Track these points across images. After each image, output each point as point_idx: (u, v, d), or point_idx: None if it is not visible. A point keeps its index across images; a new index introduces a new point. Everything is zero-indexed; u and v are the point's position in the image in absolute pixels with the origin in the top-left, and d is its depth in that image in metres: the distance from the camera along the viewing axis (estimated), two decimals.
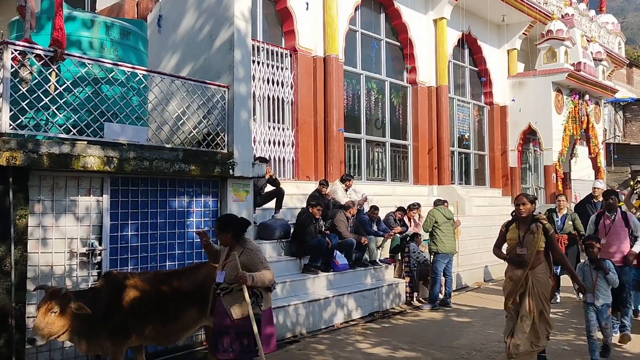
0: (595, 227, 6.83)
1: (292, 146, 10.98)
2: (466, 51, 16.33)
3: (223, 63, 6.89)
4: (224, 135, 6.76)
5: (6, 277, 4.92)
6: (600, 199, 8.68)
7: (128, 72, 5.84)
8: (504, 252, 5.39)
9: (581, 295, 6.04)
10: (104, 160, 5.43)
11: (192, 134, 6.58)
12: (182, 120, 6.52)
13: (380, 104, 13.46)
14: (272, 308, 4.59)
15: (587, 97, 17.63)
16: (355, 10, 12.38)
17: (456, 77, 16.00)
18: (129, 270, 5.80)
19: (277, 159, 10.70)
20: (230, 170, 6.67)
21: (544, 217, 5.78)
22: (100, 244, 5.70)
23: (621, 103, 25.05)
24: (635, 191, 7.48)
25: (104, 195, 5.73)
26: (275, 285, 5.05)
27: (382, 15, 13.51)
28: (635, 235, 6.54)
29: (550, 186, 16.42)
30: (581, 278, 5.68)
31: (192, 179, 6.51)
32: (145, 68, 6.16)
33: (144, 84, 6.10)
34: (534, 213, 5.23)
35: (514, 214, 5.24)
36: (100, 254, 5.70)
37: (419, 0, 14.02)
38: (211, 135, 6.67)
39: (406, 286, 9.12)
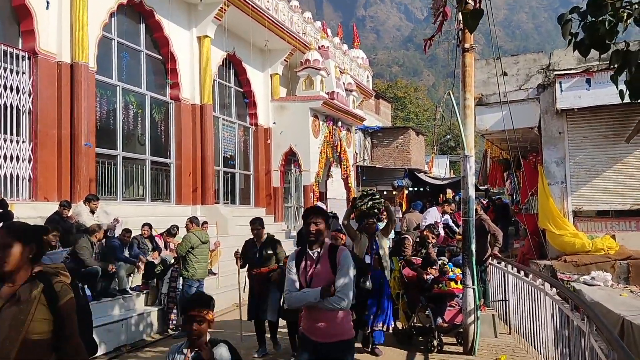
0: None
1: (30, 162, 9.58)
2: (231, 71, 16.54)
3: None
4: None
5: None
6: None
7: None
8: None
9: None
10: None
11: None
12: None
13: (139, 119, 12.70)
14: None
15: (340, 123, 19.34)
16: (110, 16, 11.48)
17: (222, 96, 16.05)
18: None
19: (9, 176, 9.20)
20: None
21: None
22: None
23: (369, 130, 28.27)
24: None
25: None
26: None
27: (142, 26, 12.83)
28: None
29: (309, 205, 17.47)
30: None
31: None
32: None
33: None
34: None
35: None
36: None
37: (182, 15, 13.71)
38: None
39: (170, 314, 8.57)
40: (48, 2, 9.75)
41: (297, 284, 3.69)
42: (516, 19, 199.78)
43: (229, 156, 16.36)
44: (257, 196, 17.33)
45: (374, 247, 6.73)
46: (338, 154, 19.27)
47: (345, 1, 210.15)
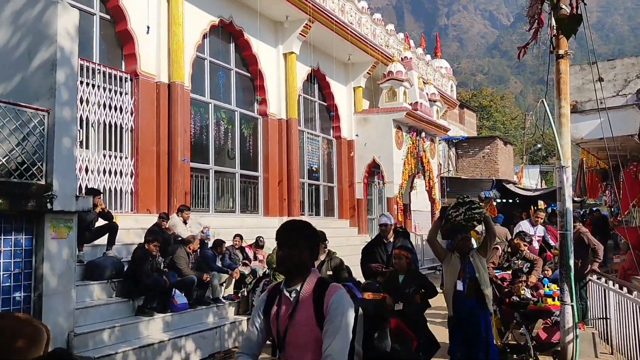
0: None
1: (132, 176, 10.26)
2: (315, 86, 16.86)
3: (43, 85, 6.18)
4: (41, 165, 6.01)
5: None
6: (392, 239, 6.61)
7: None
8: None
9: None
10: None
11: (1, 162, 5.75)
12: None
13: (230, 134, 13.25)
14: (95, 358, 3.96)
15: (423, 134, 19.12)
16: (204, 38, 12.12)
17: (306, 110, 16.39)
18: None
19: (114, 189, 9.91)
20: (48, 204, 5.93)
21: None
22: None
23: (454, 140, 27.68)
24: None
25: None
26: None
27: (232, 45, 13.42)
28: None
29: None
30: None
31: None
32: None
33: None
34: None
35: None
36: None
37: (269, 34, 14.19)
38: (25, 165, 5.89)
39: None
40: (148, 27, 10.46)
41: (255, 341, 2.57)
42: (610, 22, 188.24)
43: (313, 169, 16.64)
44: (340, 208, 17.47)
45: (468, 269, 5.46)
46: (422, 165, 19.03)
47: (426, 11, 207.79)
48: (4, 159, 5.80)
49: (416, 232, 18.90)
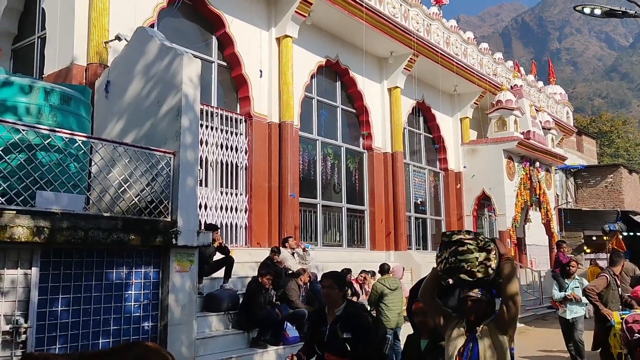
0: None
1: (246, 212, 10.78)
2: (420, 118, 16.78)
3: (170, 129, 6.76)
4: (167, 203, 6.52)
5: None
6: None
7: (66, 138, 5.63)
8: None
9: None
10: (34, 230, 5.11)
11: (134, 201, 6.33)
12: (122, 188, 6.28)
13: (336, 169, 13.52)
14: None
15: (537, 164, 18.19)
16: (311, 78, 12.61)
17: (411, 143, 16.33)
18: (56, 350, 5.36)
19: (229, 225, 10.45)
20: (174, 239, 6.40)
21: None
22: (26, 321, 5.28)
23: (572, 170, 26.00)
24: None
25: (32, 268, 5.35)
26: None
27: (338, 83, 13.81)
28: None
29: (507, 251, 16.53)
30: None
31: (131, 249, 6.20)
32: (84, 134, 5.96)
33: (82, 151, 5.88)
34: None
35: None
36: (25, 332, 5.26)
37: (374, 70, 14.43)
38: (154, 203, 6.43)
39: None
40: (261, 71, 11.11)
41: None
42: None
43: (419, 202, 16.41)
44: None
45: (470, 354, 3.18)
46: (537, 196, 18.06)
47: (536, 37, 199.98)
48: (136, 198, 6.38)
49: (533, 268, 17.84)
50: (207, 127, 10.11)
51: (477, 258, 3.16)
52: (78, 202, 5.63)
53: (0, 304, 5.13)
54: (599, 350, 7.04)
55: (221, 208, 10.28)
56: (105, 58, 8.24)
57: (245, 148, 10.93)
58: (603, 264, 8.18)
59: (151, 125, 6.97)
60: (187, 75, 6.80)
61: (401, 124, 14.80)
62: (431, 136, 17.11)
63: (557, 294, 8.39)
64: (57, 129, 5.59)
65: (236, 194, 10.65)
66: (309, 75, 12.44)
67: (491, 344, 3.17)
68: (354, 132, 14.29)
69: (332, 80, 13.72)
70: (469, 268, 3.16)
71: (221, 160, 10.41)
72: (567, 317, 8.30)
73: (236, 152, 10.72)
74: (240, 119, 10.99)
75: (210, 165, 10.21)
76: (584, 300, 7.86)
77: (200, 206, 9.51)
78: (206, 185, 10.06)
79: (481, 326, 3.21)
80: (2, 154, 5.18)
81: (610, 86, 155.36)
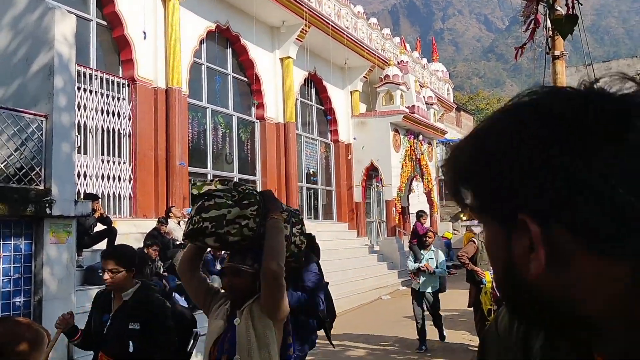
0: None
1: (130, 181, 10.27)
2: (312, 90, 16.90)
3: (41, 90, 6.21)
4: (40, 170, 6.02)
5: None
6: None
7: None
8: None
9: None
10: None
11: (0, 168, 5.76)
12: None
13: (227, 138, 13.27)
14: None
15: (421, 137, 19.16)
16: (200, 43, 12.16)
17: (303, 114, 16.43)
18: None
19: (112, 194, 9.91)
20: (47, 209, 5.95)
21: None
22: None
23: (451, 143, 27.72)
24: None
25: None
26: None
27: (229, 51, 13.46)
28: None
29: (391, 220, 17.40)
30: None
31: None
32: None
33: None
34: None
35: None
36: None
37: (266, 39, 14.23)
38: (24, 170, 5.90)
39: None
40: (145, 33, 10.50)
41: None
42: (604, 24, 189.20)
43: (311, 172, 16.66)
44: (339, 211, 17.48)
45: (227, 340, 2.42)
46: (420, 168, 19.07)
47: (422, 15, 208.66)
48: (3, 164, 5.81)
49: None
50: (85, 90, 9.41)
51: (224, 215, 2.33)
52: None
53: None
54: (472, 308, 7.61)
55: (102, 177, 9.69)
56: None
57: (129, 114, 10.34)
58: (477, 229, 8.68)
59: (20, 85, 6.35)
60: (60, 31, 6.25)
61: (293, 94, 14.81)
62: (323, 108, 17.33)
63: (412, 265, 7.95)
64: None
65: (119, 163, 10.09)
66: (198, 40, 11.98)
67: (252, 332, 2.36)
68: (246, 102, 14.08)
69: (223, 47, 13.33)
70: (213, 229, 2.32)
71: (102, 127, 9.77)
72: (419, 289, 7.89)
73: (119, 117, 10.11)
74: (123, 83, 10.35)
75: (90, 131, 9.55)
76: (438, 273, 7.82)
77: (79, 175, 8.92)
78: (85, 153, 9.41)
79: (243, 308, 2.41)
80: None
81: (487, 66, 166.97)
